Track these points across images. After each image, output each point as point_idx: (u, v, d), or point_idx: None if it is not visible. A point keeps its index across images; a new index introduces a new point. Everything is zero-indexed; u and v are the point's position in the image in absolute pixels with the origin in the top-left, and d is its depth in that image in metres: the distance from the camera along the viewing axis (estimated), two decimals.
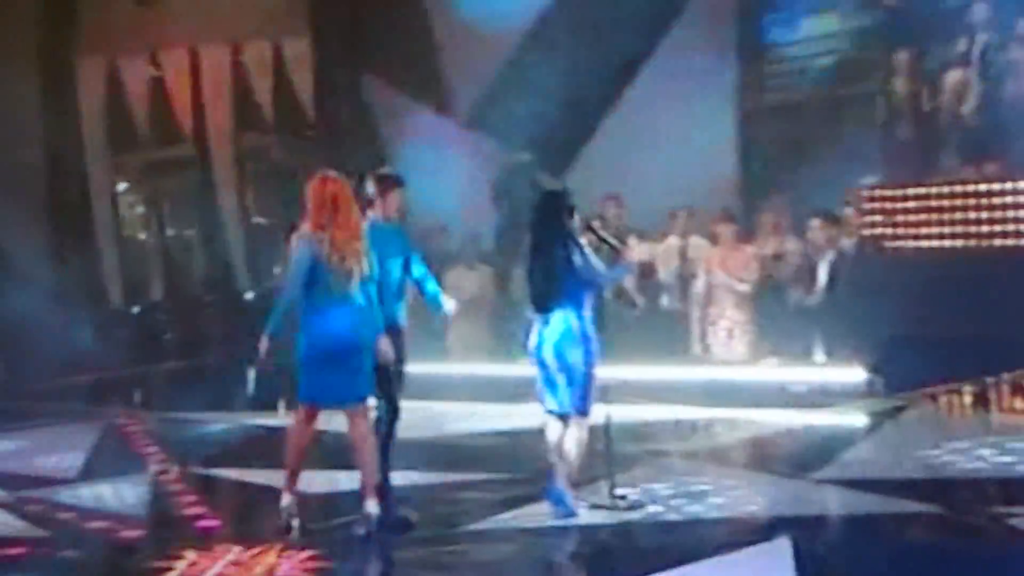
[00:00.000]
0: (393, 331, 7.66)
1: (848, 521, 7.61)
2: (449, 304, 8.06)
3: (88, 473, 9.68)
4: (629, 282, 11.84)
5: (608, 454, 7.76)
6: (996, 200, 11.86)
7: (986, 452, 8.74)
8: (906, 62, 12.95)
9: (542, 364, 7.56)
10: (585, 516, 7.47)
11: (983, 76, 12.35)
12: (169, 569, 6.78)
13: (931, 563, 6.56)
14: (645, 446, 9.40)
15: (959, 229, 12.09)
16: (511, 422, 10.34)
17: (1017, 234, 11.72)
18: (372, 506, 7.24)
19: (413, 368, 8.05)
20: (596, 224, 8.12)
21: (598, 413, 7.62)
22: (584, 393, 7.50)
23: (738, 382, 11.34)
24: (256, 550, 7.00)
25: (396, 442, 7.81)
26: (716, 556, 6.64)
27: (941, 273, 11.61)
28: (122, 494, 8.87)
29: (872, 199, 12.62)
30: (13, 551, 7.39)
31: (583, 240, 7.55)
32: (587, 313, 7.51)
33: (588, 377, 7.50)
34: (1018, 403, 10.47)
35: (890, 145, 13.10)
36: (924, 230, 12.27)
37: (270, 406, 11.71)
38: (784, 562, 6.42)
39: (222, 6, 16.44)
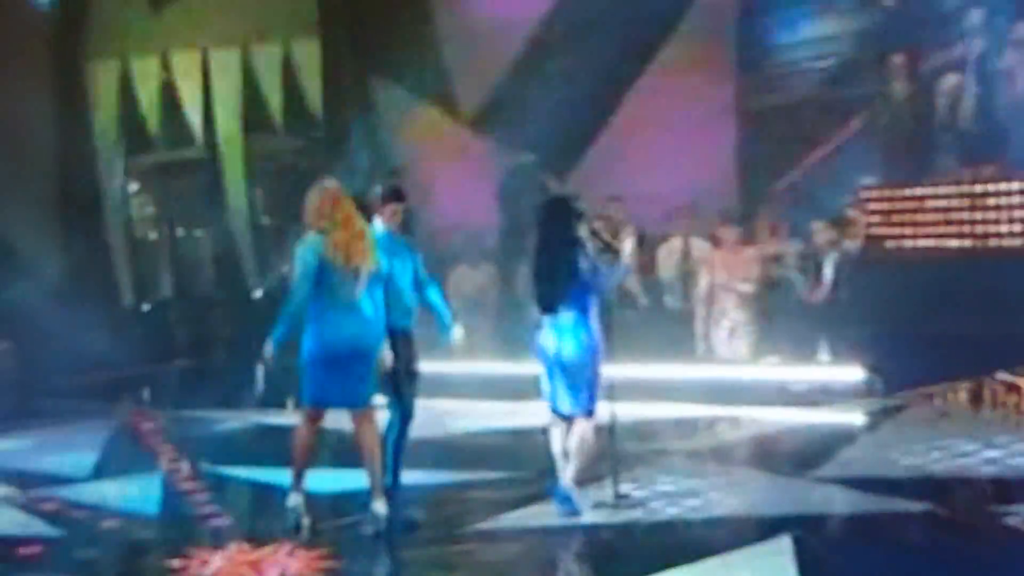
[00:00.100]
0: (404, 337, 7.78)
1: (848, 520, 7.68)
2: (458, 333, 8.12)
3: (100, 471, 9.71)
4: (630, 282, 11.98)
5: (612, 453, 7.80)
6: (991, 201, 11.93)
7: (984, 451, 8.81)
8: (902, 65, 13.02)
9: (548, 365, 7.63)
10: (589, 515, 7.52)
11: (978, 79, 12.42)
12: (181, 568, 6.84)
13: (929, 561, 6.61)
14: (648, 445, 9.43)
15: (954, 229, 12.13)
16: (515, 420, 10.42)
17: (1012, 234, 11.79)
18: (380, 506, 7.31)
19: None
20: (598, 226, 8.17)
21: (602, 412, 7.67)
22: (590, 394, 7.57)
23: (740, 381, 11.34)
24: (267, 549, 7.06)
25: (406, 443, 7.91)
26: (718, 555, 6.70)
27: (940, 273, 11.64)
28: (134, 492, 8.84)
29: (871, 200, 12.69)
30: (26, 549, 7.44)
31: (588, 244, 7.63)
32: (593, 315, 7.57)
33: (594, 378, 7.57)
34: (1016, 402, 10.49)
35: (888, 147, 13.15)
36: (922, 230, 12.34)
37: (279, 404, 11.81)
38: (785, 561, 6.50)
39: (232, 10, 16.51)
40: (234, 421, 11.97)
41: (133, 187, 17.75)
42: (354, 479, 7.65)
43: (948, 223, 12.18)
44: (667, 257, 12.78)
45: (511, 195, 14.55)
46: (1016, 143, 11.81)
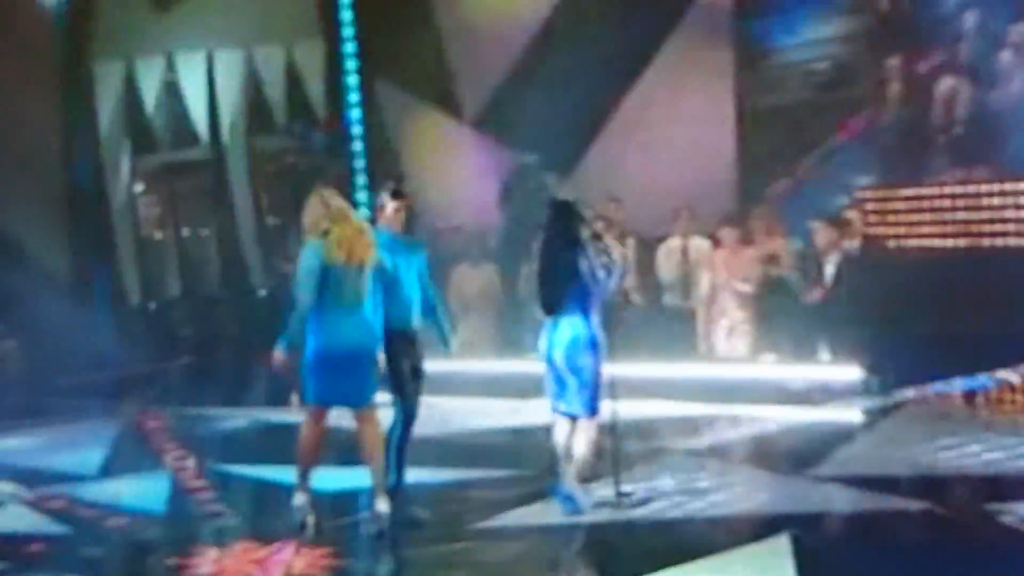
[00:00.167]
0: (409, 336, 7.85)
1: (847, 518, 7.70)
2: (455, 345, 8.21)
3: (107, 469, 9.75)
4: (631, 282, 12.01)
5: (613, 452, 7.85)
6: (985, 201, 11.99)
7: (982, 450, 8.85)
8: (899, 67, 13.07)
9: (552, 366, 7.69)
10: (591, 513, 7.57)
11: (974, 81, 12.47)
12: (188, 566, 6.91)
13: (927, 560, 6.64)
14: (649, 443, 9.45)
15: (950, 229, 12.20)
16: (518, 419, 10.45)
17: (1007, 234, 11.85)
18: (383, 505, 7.37)
19: None
20: (599, 227, 8.17)
21: (604, 411, 7.72)
22: (593, 394, 7.63)
23: (739, 379, 11.34)
24: (273, 547, 7.13)
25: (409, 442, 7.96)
26: (718, 553, 6.76)
27: (937, 272, 11.67)
28: (141, 490, 8.89)
29: (868, 200, 12.74)
30: (34, 547, 7.51)
31: (590, 246, 7.69)
32: (595, 316, 7.64)
33: (597, 378, 7.63)
34: (1014, 401, 10.54)
35: (885, 148, 13.19)
36: (919, 230, 12.39)
37: (283, 401, 11.86)
38: (784, 559, 6.55)
39: (236, 11, 16.55)
40: (240, 419, 11.98)
41: (139, 187, 17.79)
42: (359, 478, 7.69)
43: (944, 223, 12.24)
44: (667, 257, 12.78)
45: (512, 195, 14.59)
46: (1012, 144, 11.87)
